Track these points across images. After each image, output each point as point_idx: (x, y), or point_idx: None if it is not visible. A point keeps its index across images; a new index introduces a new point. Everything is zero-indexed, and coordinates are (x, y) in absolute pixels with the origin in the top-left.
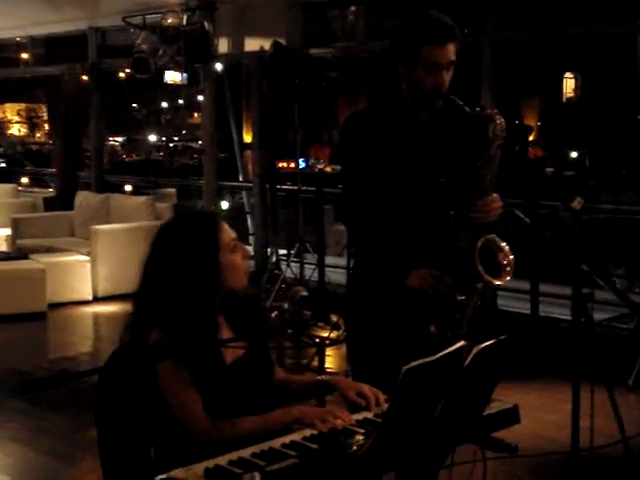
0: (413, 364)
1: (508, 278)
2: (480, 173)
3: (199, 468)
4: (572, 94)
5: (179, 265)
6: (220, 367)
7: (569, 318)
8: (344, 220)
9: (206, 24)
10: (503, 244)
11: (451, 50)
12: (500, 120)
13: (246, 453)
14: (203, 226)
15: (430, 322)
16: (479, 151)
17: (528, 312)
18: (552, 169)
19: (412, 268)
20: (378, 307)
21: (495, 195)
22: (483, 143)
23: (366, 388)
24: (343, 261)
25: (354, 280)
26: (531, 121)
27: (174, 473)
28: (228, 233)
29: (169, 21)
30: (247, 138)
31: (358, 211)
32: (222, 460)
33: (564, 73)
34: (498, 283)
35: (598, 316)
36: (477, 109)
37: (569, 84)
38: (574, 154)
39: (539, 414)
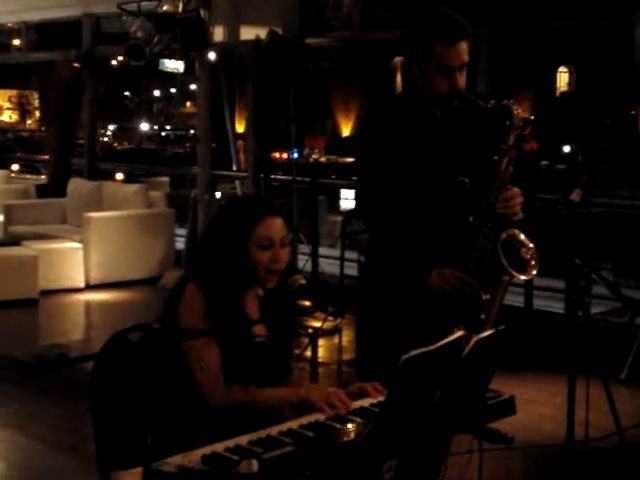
0: (412, 353)
1: (534, 272)
2: (499, 165)
3: (196, 455)
4: (566, 88)
5: (217, 236)
6: (248, 342)
7: (562, 311)
8: (363, 218)
9: (202, 12)
10: (526, 239)
11: (463, 50)
12: (517, 110)
13: (243, 440)
14: (248, 212)
15: (454, 326)
16: (497, 144)
17: (522, 305)
18: (547, 162)
19: (433, 266)
20: (396, 305)
21: (516, 189)
22: (500, 135)
23: (365, 384)
24: (337, 252)
25: (369, 275)
26: (525, 114)
27: (171, 460)
28: (268, 229)
29: (164, 8)
30: (239, 128)
31: (377, 209)
32: (219, 447)
33: (558, 67)
34: (523, 278)
35: (591, 310)
36: (492, 101)
37: (563, 78)
38: (567, 148)
39: (532, 407)
